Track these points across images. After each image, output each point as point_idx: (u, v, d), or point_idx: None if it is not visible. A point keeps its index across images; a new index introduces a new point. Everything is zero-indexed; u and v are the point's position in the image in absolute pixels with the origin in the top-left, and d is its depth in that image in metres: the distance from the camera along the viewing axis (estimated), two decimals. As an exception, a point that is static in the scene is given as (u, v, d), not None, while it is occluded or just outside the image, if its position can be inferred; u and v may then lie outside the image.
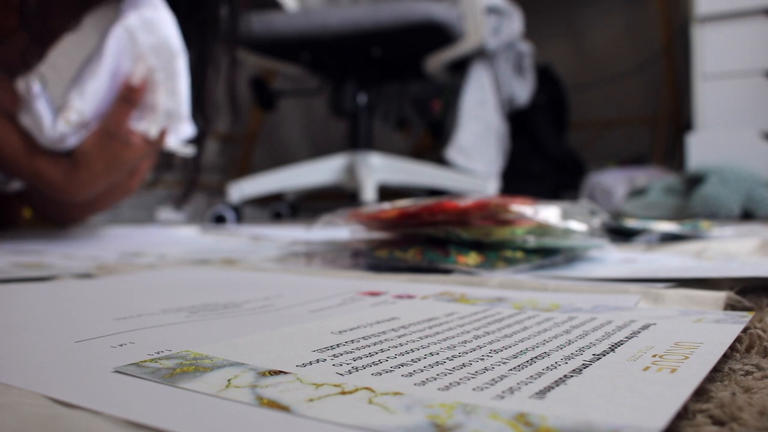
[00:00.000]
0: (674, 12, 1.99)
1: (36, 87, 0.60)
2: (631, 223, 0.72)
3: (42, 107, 0.60)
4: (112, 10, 0.65)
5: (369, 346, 0.22)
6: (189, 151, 0.73)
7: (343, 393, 0.17)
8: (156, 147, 0.67)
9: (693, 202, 1.28)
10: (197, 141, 0.75)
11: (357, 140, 1.55)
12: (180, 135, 0.68)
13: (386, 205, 0.55)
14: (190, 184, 0.81)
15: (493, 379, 0.18)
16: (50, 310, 0.31)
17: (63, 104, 0.61)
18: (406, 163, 1.60)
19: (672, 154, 1.94)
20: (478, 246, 0.48)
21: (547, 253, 0.49)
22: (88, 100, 0.62)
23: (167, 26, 0.64)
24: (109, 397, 0.17)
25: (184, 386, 0.18)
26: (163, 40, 0.63)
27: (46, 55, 0.62)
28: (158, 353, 0.21)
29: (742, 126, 1.48)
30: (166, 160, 0.77)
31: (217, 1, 0.74)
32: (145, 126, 0.66)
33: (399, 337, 0.24)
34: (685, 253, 0.55)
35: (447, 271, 0.45)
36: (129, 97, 0.64)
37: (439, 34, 1.39)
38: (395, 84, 1.87)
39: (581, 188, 1.70)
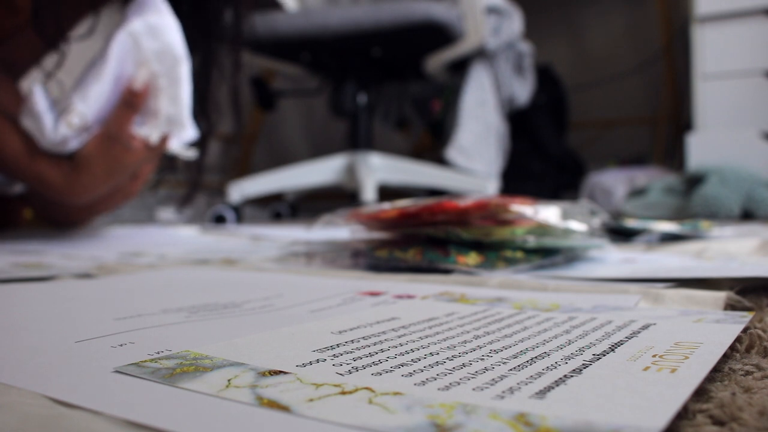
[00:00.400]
0: (674, 12, 1.99)
1: (38, 89, 0.60)
2: (631, 223, 0.72)
3: (44, 109, 0.60)
4: (116, 14, 0.65)
5: (369, 346, 0.22)
6: (192, 154, 0.73)
7: (343, 393, 0.17)
8: (157, 152, 0.67)
9: (693, 202, 1.28)
10: (200, 144, 0.75)
11: (357, 140, 1.55)
12: (182, 140, 0.68)
13: (386, 205, 0.55)
14: (193, 186, 0.81)
15: (493, 379, 0.18)
16: (50, 310, 0.31)
17: (65, 107, 0.61)
18: (406, 163, 1.60)
19: (672, 154, 1.94)
20: (478, 246, 0.48)
21: (547, 253, 0.49)
22: (91, 103, 0.62)
23: (171, 32, 0.63)
24: (109, 397, 0.17)
25: (184, 386, 0.18)
26: (166, 45, 0.63)
27: (64, 60, 0.62)
28: (158, 353, 0.21)
29: (742, 126, 1.48)
30: (168, 162, 0.77)
31: (222, 4, 0.74)
32: (146, 131, 0.66)
33: (399, 337, 0.24)
34: (685, 253, 0.55)
35: (447, 271, 0.45)
36: (131, 102, 0.64)
37: (439, 34, 1.39)
38: (395, 84, 1.87)
39: (581, 188, 1.70)
